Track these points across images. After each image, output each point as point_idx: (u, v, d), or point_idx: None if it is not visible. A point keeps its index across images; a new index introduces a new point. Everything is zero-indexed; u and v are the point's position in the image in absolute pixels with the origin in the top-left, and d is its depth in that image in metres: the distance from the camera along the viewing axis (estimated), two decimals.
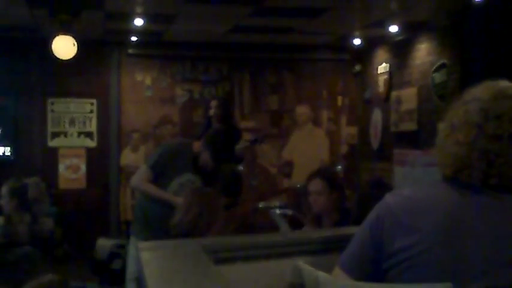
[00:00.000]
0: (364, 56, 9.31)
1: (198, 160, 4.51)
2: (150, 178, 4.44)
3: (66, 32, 6.72)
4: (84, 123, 8.82)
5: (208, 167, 4.50)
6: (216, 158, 4.47)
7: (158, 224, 4.23)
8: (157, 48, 8.94)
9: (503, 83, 1.63)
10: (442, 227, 1.50)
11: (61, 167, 8.73)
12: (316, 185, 4.14)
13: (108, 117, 8.89)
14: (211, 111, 6.93)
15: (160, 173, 4.43)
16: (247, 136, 8.56)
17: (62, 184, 8.71)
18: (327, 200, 4.09)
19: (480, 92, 1.61)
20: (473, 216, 1.50)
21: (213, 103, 7.03)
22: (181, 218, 3.30)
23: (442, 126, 1.65)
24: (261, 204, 6.14)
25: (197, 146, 4.57)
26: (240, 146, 6.12)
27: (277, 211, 5.71)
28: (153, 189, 4.45)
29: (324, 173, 4.37)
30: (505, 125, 1.53)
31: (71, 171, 8.76)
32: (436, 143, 1.66)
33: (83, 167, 8.80)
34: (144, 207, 4.62)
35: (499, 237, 1.47)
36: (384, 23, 7.45)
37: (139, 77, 9.02)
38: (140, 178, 4.54)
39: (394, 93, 8.36)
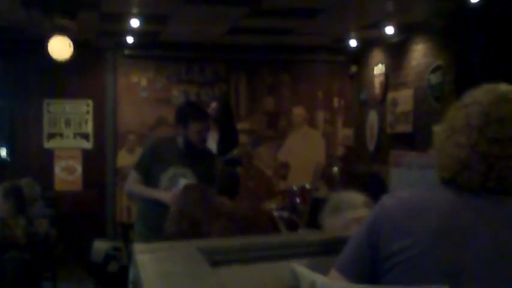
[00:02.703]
0: (360, 57, 9.31)
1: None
2: (139, 180, 4.39)
3: (62, 33, 6.71)
4: (80, 124, 8.80)
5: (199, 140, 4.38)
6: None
7: (157, 223, 4.20)
8: (153, 49, 8.92)
9: (504, 87, 1.62)
10: (439, 229, 1.49)
11: (57, 169, 8.71)
12: None
13: (104, 118, 8.88)
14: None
15: (147, 173, 4.37)
16: (243, 138, 8.56)
17: (58, 185, 8.69)
18: None
19: (481, 95, 1.60)
20: (471, 219, 1.50)
21: (213, 105, 6.81)
22: (175, 229, 2.77)
23: (440, 128, 1.65)
24: None
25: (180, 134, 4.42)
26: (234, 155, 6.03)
27: (274, 213, 5.72)
28: (143, 190, 4.38)
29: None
30: (506, 129, 1.53)
31: (67, 173, 8.74)
32: (434, 145, 1.65)
33: (79, 169, 8.77)
34: (141, 209, 4.59)
35: (496, 241, 1.47)
36: (380, 25, 7.45)
37: (135, 78, 9.01)
38: (130, 182, 4.51)
39: (390, 95, 8.36)
